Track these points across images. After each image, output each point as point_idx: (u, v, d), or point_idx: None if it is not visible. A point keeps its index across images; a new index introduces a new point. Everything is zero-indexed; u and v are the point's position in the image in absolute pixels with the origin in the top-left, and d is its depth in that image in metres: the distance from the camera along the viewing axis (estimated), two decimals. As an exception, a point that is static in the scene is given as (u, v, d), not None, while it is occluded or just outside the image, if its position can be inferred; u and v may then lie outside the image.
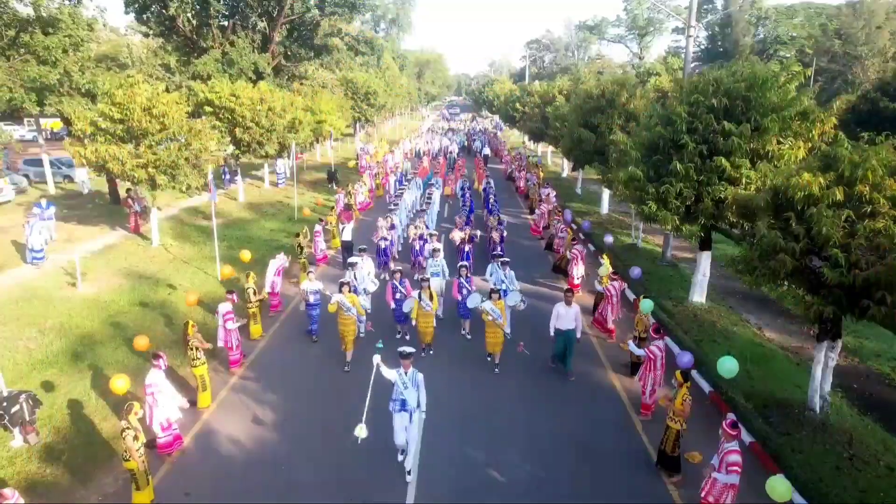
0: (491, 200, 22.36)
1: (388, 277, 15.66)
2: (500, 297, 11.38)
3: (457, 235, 17.14)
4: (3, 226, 18.98)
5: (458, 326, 13.33)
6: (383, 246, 16.45)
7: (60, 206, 20.53)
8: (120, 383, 8.91)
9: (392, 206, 20.78)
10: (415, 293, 11.73)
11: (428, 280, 12.04)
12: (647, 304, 11.68)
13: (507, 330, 11.29)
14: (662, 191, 12.73)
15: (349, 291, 11.16)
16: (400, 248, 18.86)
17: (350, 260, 13.33)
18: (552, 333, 11.26)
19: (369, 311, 12.61)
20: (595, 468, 8.72)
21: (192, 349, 9.77)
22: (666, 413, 8.43)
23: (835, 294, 8.09)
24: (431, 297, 11.69)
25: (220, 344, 11.32)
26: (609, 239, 18.11)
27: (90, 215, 21.15)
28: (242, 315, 12.18)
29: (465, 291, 12.61)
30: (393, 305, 12.46)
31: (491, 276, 13.37)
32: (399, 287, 12.35)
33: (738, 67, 12.85)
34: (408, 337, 12.75)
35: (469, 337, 12.98)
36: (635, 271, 15.18)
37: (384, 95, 56.91)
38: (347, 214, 19.84)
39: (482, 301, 11.43)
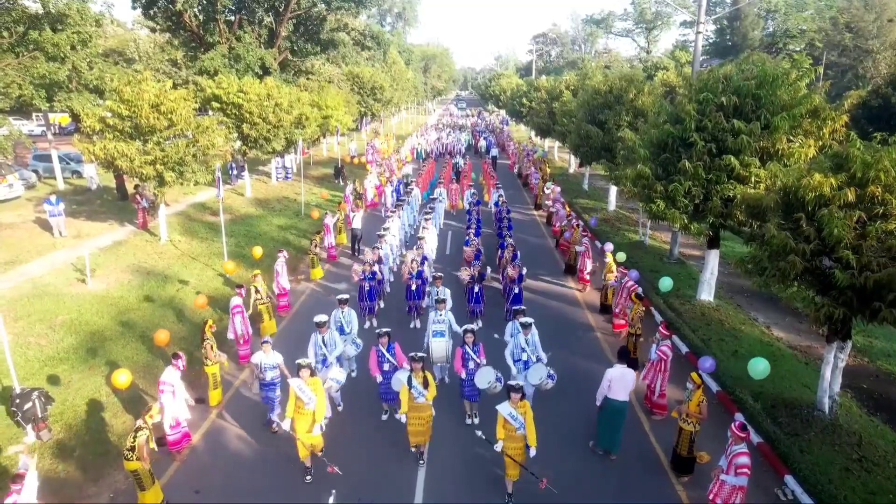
0: (504, 222, 18.19)
1: (369, 324, 13.24)
2: (522, 397, 7.54)
3: (465, 274, 13.63)
4: (13, 222, 19.11)
5: (462, 407, 9.92)
6: (367, 287, 13.19)
7: (69, 202, 20.63)
8: (122, 378, 9.05)
9: (382, 230, 16.62)
10: (403, 373, 8.50)
11: (421, 360, 8.26)
12: (666, 281, 11.66)
13: (532, 450, 7.49)
14: (671, 189, 12.68)
15: (311, 375, 8.07)
16: (391, 279, 15.93)
17: (316, 319, 9.70)
18: (598, 404, 8.87)
19: (342, 381, 9.35)
20: (602, 468, 8.74)
21: (204, 348, 9.87)
22: (679, 415, 8.44)
23: (845, 296, 8.04)
24: (427, 384, 8.17)
25: (231, 337, 11.46)
26: (609, 246, 16.31)
27: (98, 211, 21.25)
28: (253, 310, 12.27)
29: (471, 364, 9.28)
30: (380, 378, 9.30)
31: (511, 337, 10.01)
32: (387, 355, 9.18)
33: (748, 65, 12.75)
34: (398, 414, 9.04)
35: (474, 422, 9.57)
36: (608, 245, 15.82)
37: (390, 90, 56.87)
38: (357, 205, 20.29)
39: (495, 380, 8.47)
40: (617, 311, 13.26)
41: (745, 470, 6.71)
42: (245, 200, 25.70)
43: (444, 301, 10.67)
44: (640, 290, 12.63)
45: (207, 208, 23.28)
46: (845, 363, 9.68)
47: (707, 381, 10.89)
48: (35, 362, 10.96)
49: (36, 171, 26.52)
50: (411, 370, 8.24)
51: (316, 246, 16.84)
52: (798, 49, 59.18)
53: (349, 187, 22.73)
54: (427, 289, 13.02)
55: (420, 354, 8.32)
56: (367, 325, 13.16)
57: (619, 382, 8.51)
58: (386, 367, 9.21)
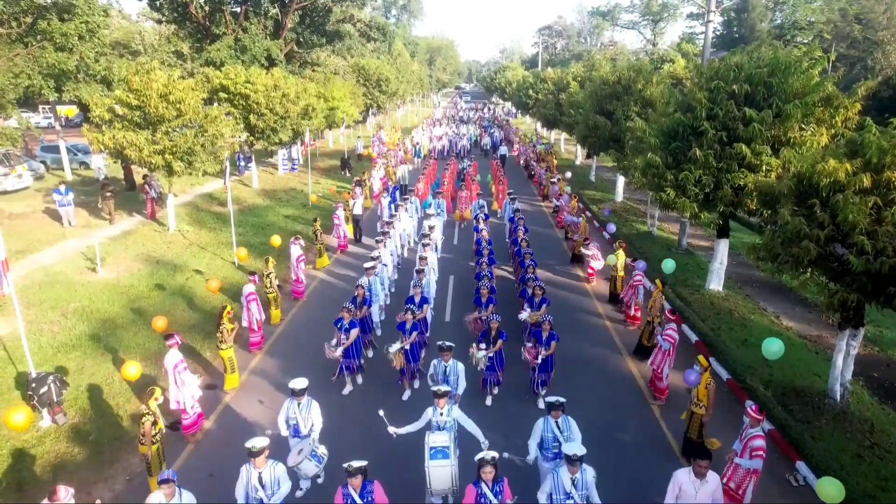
0: (523, 246, 14.15)
1: (351, 388, 10.34)
2: None
3: (478, 356, 9.60)
4: (22, 211, 19.21)
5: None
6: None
7: (77, 193, 20.69)
8: (132, 370, 9.07)
9: (371, 258, 13.00)
10: None
11: None
12: (668, 264, 11.69)
13: None
14: (681, 178, 12.64)
15: None
16: (382, 317, 12.96)
17: (250, 444, 6.28)
18: None
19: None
20: (613, 454, 8.76)
21: (220, 332, 9.96)
22: (689, 400, 8.45)
23: (860, 282, 8.01)
24: None
25: (245, 324, 11.53)
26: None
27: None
28: (262, 298, 12.32)
29: None
30: None
31: (543, 456, 7.19)
32: (357, 501, 5.87)
33: (760, 52, 12.67)
34: None
35: None
36: (609, 225, 16.09)
37: (396, 82, 56.74)
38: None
39: None
40: (626, 300, 13.28)
41: (761, 453, 6.71)
42: (252, 191, 25.76)
43: (444, 395, 7.17)
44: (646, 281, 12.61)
45: (215, 199, 23.35)
46: (857, 351, 9.66)
47: (718, 370, 10.90)
48: (48, 348, 11.05)
49: (44, 162, 26.63)
50: None
51: (317, 234, 16.89)
52: (806, 41, 58.60)
53: (358, 189, 22.66)
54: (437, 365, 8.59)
55: None
56: (347, 389, 10.39)
57: (692, 496, 5.98)
58: None
